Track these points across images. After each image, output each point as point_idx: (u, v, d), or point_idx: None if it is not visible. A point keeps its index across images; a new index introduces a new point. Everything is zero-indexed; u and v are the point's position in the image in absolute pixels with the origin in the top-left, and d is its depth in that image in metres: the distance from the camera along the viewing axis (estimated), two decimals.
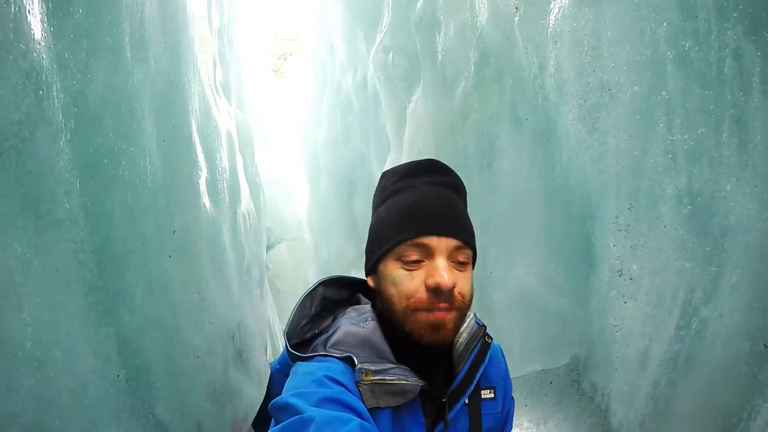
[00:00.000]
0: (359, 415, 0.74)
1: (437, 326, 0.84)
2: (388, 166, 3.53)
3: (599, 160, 1.53)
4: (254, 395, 1.81)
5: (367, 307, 0.98)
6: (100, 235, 0.96)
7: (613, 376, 1.68)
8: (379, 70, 3.32)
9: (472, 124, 2.36)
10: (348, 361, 0.86)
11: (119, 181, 1.09)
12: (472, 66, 2.32)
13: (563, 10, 1.62)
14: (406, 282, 0.85)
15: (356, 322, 0.93)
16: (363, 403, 0.82)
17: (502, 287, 2.30)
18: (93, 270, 0.92)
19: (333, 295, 1.03)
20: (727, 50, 1.15)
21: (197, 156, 1.92)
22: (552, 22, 1.70)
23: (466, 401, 0.97)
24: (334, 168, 5.07)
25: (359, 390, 0.83)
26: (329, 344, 0.90)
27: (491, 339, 1.06)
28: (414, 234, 0.85)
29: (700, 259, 1.26)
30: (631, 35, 1.36)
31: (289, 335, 0.95)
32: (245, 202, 3.69)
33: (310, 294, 0.99)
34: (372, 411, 0.82)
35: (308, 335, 0.97)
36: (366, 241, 0.98)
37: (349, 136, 4.71)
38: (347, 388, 0.80)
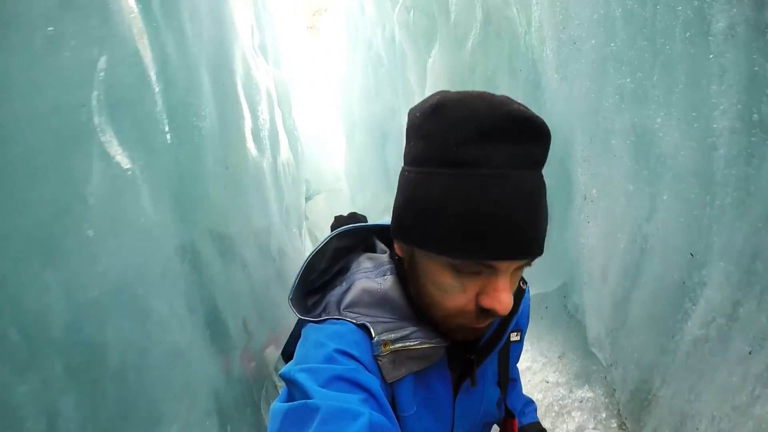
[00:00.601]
0: (372, 395, 0.68)
1: (475, 332, 0.78)
2: None
3: (569, 103, 1.82)
4: (291, 317, 2.30)
5: (384, 257, 0.89)
6: (179, 165, 1.38)
7: (584, 292, 2.01)
8: (402, 28, 3.60)
9: (479, 75, 2.66)
10: (364, 328, 0.79)
11: (189, 126, 1.50)
12: (478, 24, 2.59)
13: None
14: (456, 294, 0.72)
15: (373, 276, 0.84)
16: (383, 376, 0.77)
17: None
18: (178, 188, 1.34)
19: (344, 244, 0.92)
20: (659, 6, 1.41)
21: (242, 108, 2.33)
22: None
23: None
24: (368, 120, 5.40)
25: (377, 363, 0.77)
26: (343, 305, 0.82)
27: (526, 284, 0.97)
28: (482, 256, 0.67)
29: (641, 183, 1.56)
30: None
31: (295, 296, 0.86)
32: (284, 152, 4.11)
33: (321, 251, 0.87)
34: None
35: (318, 283, 0.90)
36: (398, 195, 0.78)
37: (380, 89, 5.01)
38: (362, 362, 0.74)
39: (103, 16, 1.02)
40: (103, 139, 0.95)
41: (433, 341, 0.79)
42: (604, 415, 2.07)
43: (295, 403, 0.63)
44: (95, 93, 0.94)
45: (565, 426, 2.18)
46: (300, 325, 0.88)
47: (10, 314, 0.74)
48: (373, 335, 0.77)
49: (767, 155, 1.08)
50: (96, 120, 0.93)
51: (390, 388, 0.79)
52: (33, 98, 0.81)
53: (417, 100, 3.86)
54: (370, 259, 0.89)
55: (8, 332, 0.74)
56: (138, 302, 1.05)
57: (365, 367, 0.74)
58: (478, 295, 0.71)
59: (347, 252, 0.93)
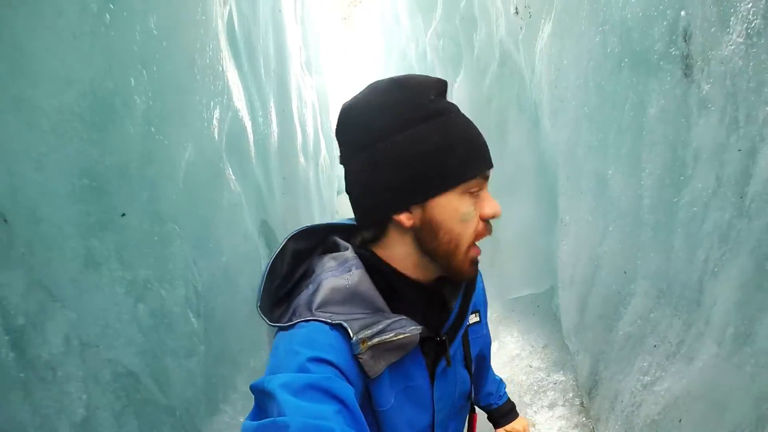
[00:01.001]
0: (345, 405, 0.68)
1: (477, 261, 0.83)
2: None
3: (556, 146, 2.30)
4: None
5: (348, 253, 0.89)
6: (259, 182, 1.92)
7: (560, 295, 2.50)
8: (433, 52, 4.07)
9: (494, 107, 3.14)
10: (339, 328, 0.79)
11: (264, 151, 2.05)
12: (495, 63, 3.07)
13: (544, 37, 2.35)
14: (473, 219, 0.80)
15: (339, 274, 0.86)
16: (365, 373, 0.79)
17: (506, 230, 3.13)
18: (258, 200, 1.89)
19: (303, 246, 0.93)
20: (617, 87, 1.87)
21: (295, 126, 2.88)
22: (539, 43, 2.42)
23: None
24: None
25: (358, 362, 0.78)
26: (315, 306, 0.82)
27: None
28: (484, 167, 0.79)
29: (597, 216, 2.02)
30: (573, 66, 2.10)
31: (262, 303, 0.85)
32: (323, 153, 4.65)
33: (280, 252, 0.89)
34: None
35: (282, 293, 0.89)
36: (387, 169, 0.81)
37: None
38: (338, 366, 0.74)
39: (216, 75, 1.54)
40: (227, 173, 1.49)
41: (407, 330, 0.82)
42: (570, 395, 2.57)
43: (264, 421, 0.62)
44: (223, 144, 1.48)
45: (540, 402, 2.68)
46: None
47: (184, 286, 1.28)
48: (352, 335, 0.78)
49: (676, 208, 1.53)
50: (223, 161, 1.47)
51: (365, 386, 0.81)
52: (193, 149, 1.34)
53: None
54: (333, 258, 0.88)
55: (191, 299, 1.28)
56: (235, 278, 1.60)
57: (341, 371, 0.75)
58: (482, 212, 0.81)
59: (308, 255, 0.93)
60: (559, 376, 2.74)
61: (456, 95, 3.74)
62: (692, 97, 1.41)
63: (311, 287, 0.84)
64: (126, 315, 0.97)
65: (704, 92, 1.35)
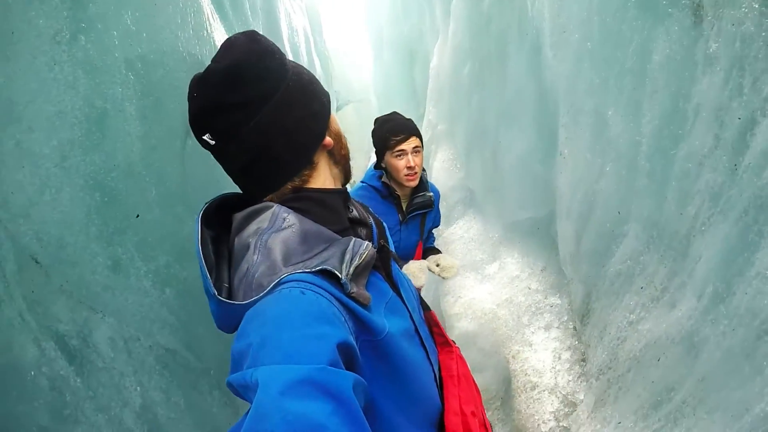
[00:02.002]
0: (342, 402, 0.61)
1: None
2: (438, 49, 4.18)
3: (557, 78, 2.25)
4: None
5: (273, 208, 0.86)
6: None
7: (558, 223, 2.56)
8: None
9: (493, 29, 3.01)
10: (322, 273, 0.77)
11: None
12: None
13: None
14: None
15: (278, 227, 0.83)
16: (361, 305, 0.78)
17: (507, 155, 3.14)
18: None
19: (214, 234, 0.87)
20: (624, 24, 1.79)
21: (288, 53, 2.78)
22: None
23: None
24: (396, 40, 5.66)
25: (351, 299, 0.77)
26: (279, 264, 0.77)
27: None
28: None
29: (595, 154, 2.02)
30: None
31: (218, 289, 0.78)
32: (318, 73, 4.53)
33: (201, 242, 0.82)
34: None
35: (227, 283, 0.82)
36: (306, 100, 0.88)
37: (408, 13, 5.23)
38: (336, 323, 0.70)
39: (202, 42, 1.49)
40: None
41: (365, 247, 0.83)
42: (565, 318, 2.73)
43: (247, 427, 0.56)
44: None
45: (537, 323, 2.86)
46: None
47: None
48: (341, 276, 0.77)
49: (672, 161, 1.54)
50: None
51: (360, 321, 0.78)
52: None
53: (441, 32, 4.16)
54: (257, 222, 0.84)
55: None
56: None
57: (342, 322, 0.72)
58: None
59: (222, 241, 0.88)
60: (555, 299, 2.89)
61: (453, 13, 3.57)
62: (699, 52, 1.37)
63: (258, 255, 0.79)
64: (156, 302, 1.05)
65: (711, 50, 1.31)
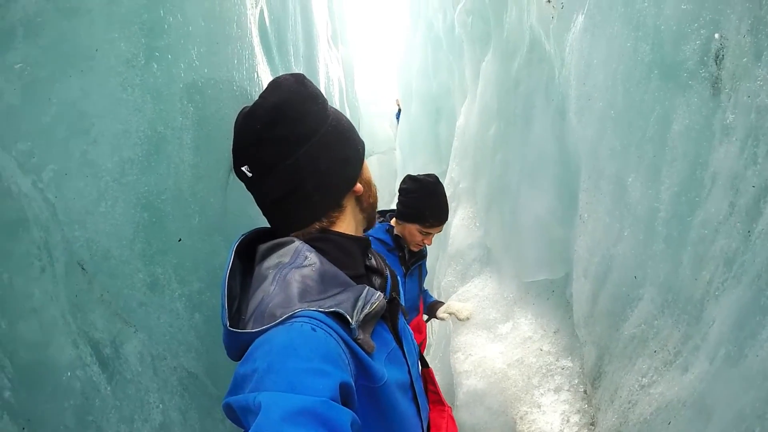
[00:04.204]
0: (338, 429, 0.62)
1: None
2: (465, 108, 4.33)
3: (581, 142, 2.33)
4: None
5: (295, 244, 0.89)
6: None
7: (573, 285, 2.57)
8: (461, 28, 4.02)
9: (521, 91, 3.14)
10: (334, 316, 0.79)
11: None
12: (525, 47, 3.04)
13: (575, 31, 2.33)
14: None
15: (299, 263, 0.84)
16: (365, 351, 0.79)
17: (526, 215, 3.19)
18: None
19: (243, 265, 0.93)
20: (646, 95, 1.88)
21: None
22: (570, 36, 2.40)
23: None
24: (424, 95, 5.88)
25: (350, 347, 0.78)
26: (295, 298, 0.79)
27: None
28: None
29: (614, 219, 2.06)
30: (603, 66, 2.10)
31: (236, 320, 0.82)
32: None
33: (230, 272, 0.87)
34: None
35: (248, 314, 0.83)
36: (341, 145, 0.94)
37: (438, 70, 5.46)
38: (333, 374, 0.69)
39: (252, 83, 1.60)
40: None
41: (377, 297, 0.84)
42: (576, 381, 2.69)
43: None
44: None
45: (547, 385, 2.81)
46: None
47: None
48: (351, 321, 0.78)
49: (689, 227, 1.58)
50: None
51: (362, 366, 0.80)
52: None
53: (470, 91, 4.33)
54: (279, 255, 0.87)
55: None
56: None
57: (345, 365, 0.73)
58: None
59: (246, 270, 0.92)
60: (567, 362, 2.85)
61: (483, 74, 3.72)
62: (716, 122, 1.44)
63: (275, 287, 0.81)
64: (186, 325, 1.08)
65: (728, 120, 1.38)
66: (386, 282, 1.02)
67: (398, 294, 1.04)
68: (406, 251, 2.36)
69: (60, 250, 0.82)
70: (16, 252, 0.76)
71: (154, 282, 1.00)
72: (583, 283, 2.38)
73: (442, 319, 2.65)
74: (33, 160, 0.77)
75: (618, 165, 2.01)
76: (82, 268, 0.87)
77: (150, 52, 0.94)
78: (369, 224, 1.07)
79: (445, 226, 2.40)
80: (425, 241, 2.19)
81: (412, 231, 2.23)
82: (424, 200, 2.22)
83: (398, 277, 1.12)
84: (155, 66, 0.95)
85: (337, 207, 0.96)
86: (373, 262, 1.04)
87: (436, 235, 2.41)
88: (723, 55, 1.42)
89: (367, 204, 1.02)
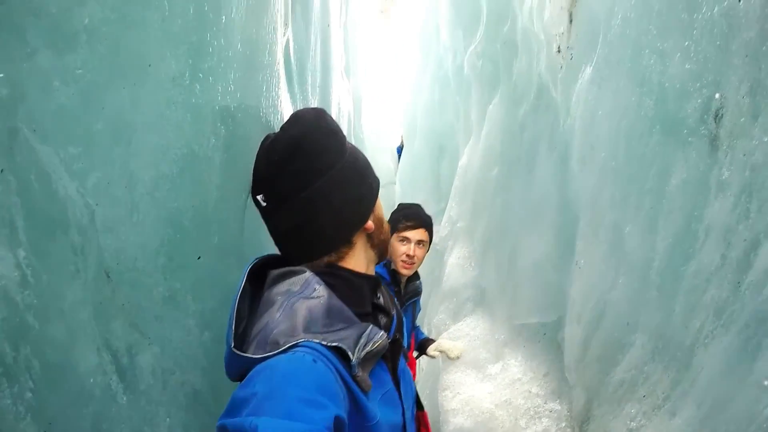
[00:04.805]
0: None
1: None
2: (469, 149, 4.44)
3: (581, 191, 2.41)
4: None
5: (306, 275, 0.90)
6: None
7: (566, 329, 2.62)
8: (471, 70, 4.16)
9: (526, 137, 3.24)
10: (335, 350, 0.80)
11: None
12: (533, 94, 3.16)
13: (583, 82, 2.44)
14: None
15: (307, 294, 0.86)
16: (362, 390, 0.81)
17: (523, 258, 3.25)
18: None
19: (253, 289, 0.95)
20: (645, 156, 1.97)
21: None
22: (577, 86, 2.52)
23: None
24: (429, 132, 6.00)
25: (348, 384, 0.80)
26: (300, 329, 0.81)
27: None
28: None
29: (610, 266, 2.13)
30: (607, 118, 2.20)
31: (241, 341, 0.85)
32: None
33: (241, 294, 0.91)
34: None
35: (251, 336, 0.86)
36: (356, 182, 0.97)
37: (444, 109, 5.59)
38: (330, 407, 0.71)
39: (276, 113, 1.67)
40: None
41: (380, 336, 0.86)
42: (563, 425, 2.70)
43: None
44: None
45: (534, 427, 2.82)
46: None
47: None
48: (352, 357, 0.80)
49: (682, 277, 1.65)
50: None
51: (356, 404, 0.81)
52: None
53: (474, 132, 4.44)
54: (290, 284, 0.89)
55: None
56: None
57: (341, 400, 0.75)
58: None
59: (254, 298, 0.94)
60: (555, 405, 2.87)
61: (489, 117, 3.84)
62: (713, 178, 1.51)
63: (281, 314, 0.83)
64: (196, 341, 1.10)
65: (724, 176, 1.46)
66: (392, 321, 1.03)
67: (402, 335, 1.05)
68: (402, 287, 2.39)
69: (93, 256, 0.85)
70: (54, 253, 0.78)
71: (171, 296, 1.02)
72: (576, 327, 2.43)
73: (432, 356, 2.68)
74: (80, 165, 0.80)
75: (617, 214, 2.09)
76: (108, 276, 0.89)
77: (194, 73, 0.99)
78: (380, 261, 1.08)
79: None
80: (407, 254, 2.20)
81: (392, 245, 2.26)
82: (399, 211, 2.35)
83: (404, 319, 1.13)
84: (198, 87, 1.00)
85: (348, 243, 0.97)
86: (381, 300, 1.05)
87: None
88: (722, 114, 1.50)
89: (378, 241, 1.02)
